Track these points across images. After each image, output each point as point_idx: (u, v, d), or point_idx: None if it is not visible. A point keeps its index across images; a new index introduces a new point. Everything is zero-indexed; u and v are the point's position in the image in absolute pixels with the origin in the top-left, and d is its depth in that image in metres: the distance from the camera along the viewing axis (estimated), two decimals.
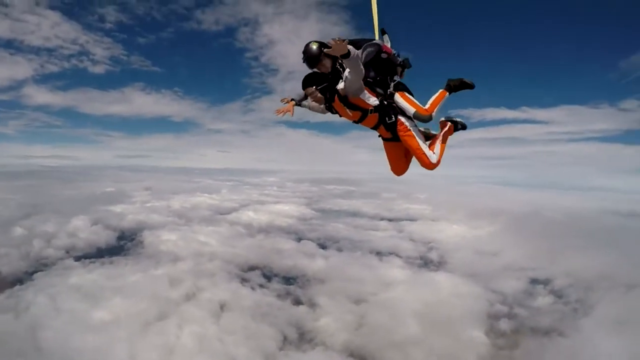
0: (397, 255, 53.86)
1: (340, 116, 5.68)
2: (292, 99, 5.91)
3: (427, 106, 5.48)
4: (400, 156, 6.06)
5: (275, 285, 42.31)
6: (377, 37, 5.76)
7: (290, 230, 67.22)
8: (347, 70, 4.97)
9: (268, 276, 44.57)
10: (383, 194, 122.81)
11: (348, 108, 5.39)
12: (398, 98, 5.44)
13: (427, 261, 54.41)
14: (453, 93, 5.70)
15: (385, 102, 5.43)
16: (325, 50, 4.76)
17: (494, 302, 40.50)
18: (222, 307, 35.38)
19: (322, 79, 5.30)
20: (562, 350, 32.32)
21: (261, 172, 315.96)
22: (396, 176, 6.32)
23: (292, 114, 5.73)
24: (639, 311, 36.06)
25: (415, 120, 5.54)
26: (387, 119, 5.44)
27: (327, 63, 5.20)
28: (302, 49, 5.19)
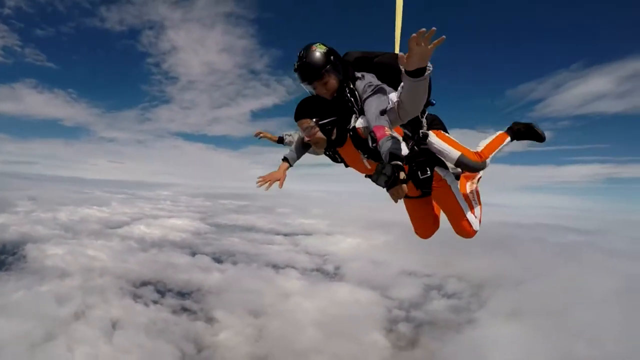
0: (294, 268, 54.28)
1: (347, 166, 3.96)
2: (286, 159, 4.02)
3: (479, 149, 4.18)
4: (429, 214, 4.60)
5: (170, 300, 40.82)
6: (397, 46, 4.01)
7: (184, 244, 64.92)
8: (405, 92, 3.11)
9: (162, 291, 42.83)
10: (278, 209, 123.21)
11: (368, 157, 3.65)
12: (434, 139, 3.91)
13: (324, 272, 55.53)
14: (516, 141, 4.50)
15: (417, 148, 3.93)
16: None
17: (392, 308, 42.60)
18: (115, 325, 33.50)
19: (326, 109, 3.58)
20: (460, 345, 34.77)
21: (155, 185, 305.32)
22: (423, 239, 4.80)
23: (282, 185, 3.90)
24: (527, 304, 40.47)
25: (457, 168, 4.17)
26: (420, 173, 3.97)
27: (332, 81, 3.54)
28: (300, 51, 3.56)
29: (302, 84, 3.64)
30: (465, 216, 4.20)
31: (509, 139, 4.38)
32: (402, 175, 2.73)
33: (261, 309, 38.64)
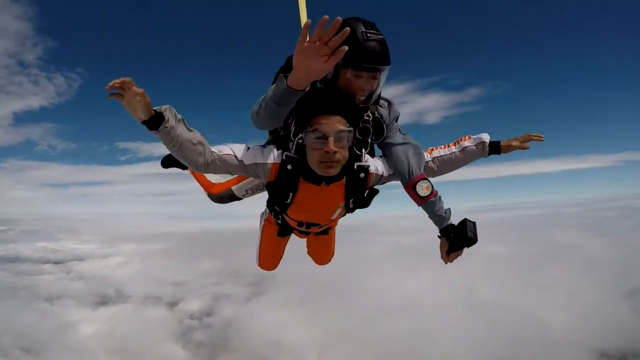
0: (71, 297, 50.15)
1: (285, 207, 2.67)
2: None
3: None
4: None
5: None
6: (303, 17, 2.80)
7: None
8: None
9: None
10: (45, 235, 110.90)
11: (350, 207, 2.68)
12: None
13: (104, 296, 52.93)
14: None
15: None
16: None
17: (183, 319, 42.55)
18: None
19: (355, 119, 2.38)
20: (258, 336, 36.40)
21: None
22: (268, 271, 4.00)
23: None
24: (307, 287, 45.41)
25: None
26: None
27: (381, 83, 2.44)
28: (370, 24, 2.25)
29: (365, 66, 2.24)
30: (334, 246, 3.76)
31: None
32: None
33: (40, 347, 35.22)
